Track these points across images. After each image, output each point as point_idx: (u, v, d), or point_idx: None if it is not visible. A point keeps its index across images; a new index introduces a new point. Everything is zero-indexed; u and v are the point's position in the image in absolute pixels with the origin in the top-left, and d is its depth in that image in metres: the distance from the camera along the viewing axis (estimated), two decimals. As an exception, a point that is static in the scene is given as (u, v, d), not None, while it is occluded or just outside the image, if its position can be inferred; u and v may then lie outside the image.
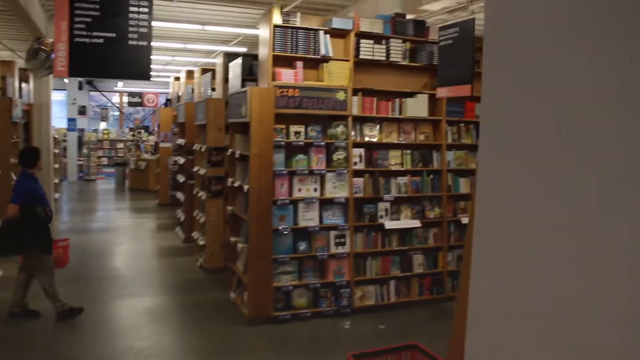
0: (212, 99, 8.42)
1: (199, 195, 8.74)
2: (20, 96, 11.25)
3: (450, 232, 7.46)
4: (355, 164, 6.90)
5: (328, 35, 6.69)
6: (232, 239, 6.96)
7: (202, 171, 8.62)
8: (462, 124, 7.64)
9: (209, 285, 7.96)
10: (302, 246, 6.59)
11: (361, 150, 6.97)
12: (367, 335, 6.15)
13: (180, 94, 13.32)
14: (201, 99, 9.00)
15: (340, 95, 6.71)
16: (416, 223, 7.19)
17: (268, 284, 6.31)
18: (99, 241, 10.53)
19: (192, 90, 11.46)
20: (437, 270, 7.38)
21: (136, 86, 22.78)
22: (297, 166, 6.54)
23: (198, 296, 7.49)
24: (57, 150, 16.10)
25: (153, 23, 6.19)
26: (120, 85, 23.84)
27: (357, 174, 6.90)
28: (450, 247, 7.44)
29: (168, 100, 15.35)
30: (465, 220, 7.48)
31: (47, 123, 11.57)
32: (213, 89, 9.25)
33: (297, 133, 6.57)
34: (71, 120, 20.97)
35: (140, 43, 6.06)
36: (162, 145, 14.69)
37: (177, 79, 14.48)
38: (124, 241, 10.70)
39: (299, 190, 6.56)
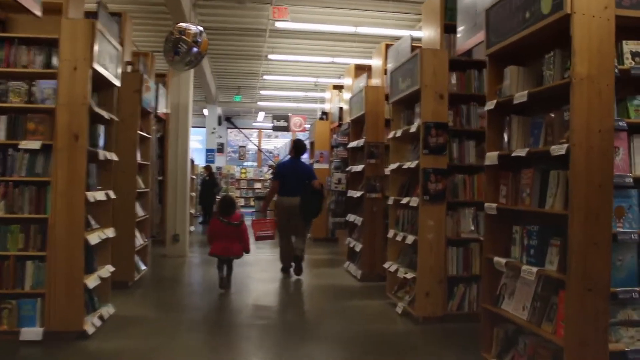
0: (429, 49, 5.54)
1: (406, 202, 5.77)
2: (156, 102, 9.12)
3: None
4: None
5: None
6: (497, 258, 3.89)
7: (410, 164, 5.68)
8: None
9: (431, 343, 4.89)
10: (654, 270, 3.38)
11: None
12: None
13: (342, 104, 10.70)
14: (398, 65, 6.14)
15: None
16: None
17: (600, 347, 3.13)
18: (242, 275, 7.82)
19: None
20: None
21: (281, 110, 20.75)
22: (638, 116, 3.41)
23: (421, 361, 4.47)
24: (194, 177, 14.09)
25: None
26: (260, 118, 21.99)
27: None
28: None
29: (324, 114, 12.80)
30: None
31: (185, 130, 9.32)
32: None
33: (637, 55, 3.46)
34: (209, 151, 19.25)
35: None
36: (316, 167, 12.07)
37: (337, 87, 11.95)
38: (273, 277, 7.92)
39: (644, 162, 3.40)
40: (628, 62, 3.40)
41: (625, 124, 3.27)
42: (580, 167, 3.06)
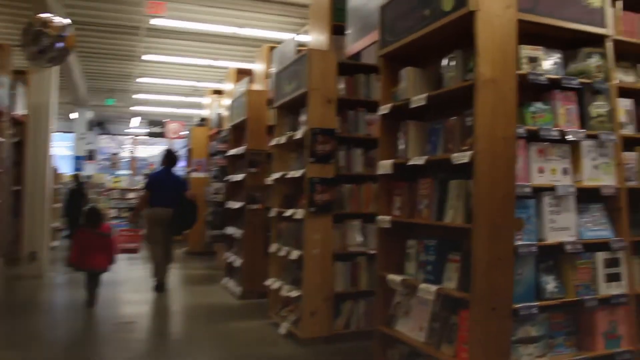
0: (317, 50, 5.22)
1: (289, 214, 5.38)
2: (13, 101, 8.08)
3: None
4: (623, 125, 3.67)
5: None
6: (391, 276, 3.61)
7: (294, 174, 5.31)
8: None
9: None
10: (550, 283, 3.24)
11: (627, 103, 3.76)
12: None
13: (222, 110, 10.19)
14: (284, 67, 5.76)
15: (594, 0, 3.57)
16: None
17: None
18: (110, 298, 7.04)
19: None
20: None
21: (157, 116, 19.74)
22: (534, 123, 3.26)
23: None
24: (60, 186, 12.90)
25: None
26: (135, 123, 20.78)
27: (625, 144, 3.67)
28: None
29: (203, 119, 12.19)
30: None
31: (46, 134, 8.38)
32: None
33: (533, 60, 3.33)
34: (78, 159, 17.84)
35: None
36: (194, 175, 11.45)
37: (217, 91, 11.41)
38: (144, 298, 7.22)
39: (540, 171, 3.26)
40: (525, 67, 3.25)
41: (524, 131, 3.10)
42: (484, 176, 2.83)
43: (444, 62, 3.28)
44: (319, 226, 5.00)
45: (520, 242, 3.04)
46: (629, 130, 3.71)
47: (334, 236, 5.10)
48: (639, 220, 3.63)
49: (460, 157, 2.92)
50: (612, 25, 3.63)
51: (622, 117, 3.68)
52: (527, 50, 3.30)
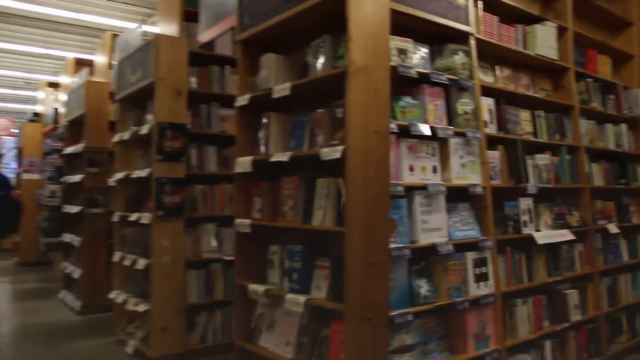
0: (165, 36, 4.68)
1: (135, 218, 4.81)
2: None
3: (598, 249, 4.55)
4: (486, 124, 3.64)
5: None
6: (253, 286, 3.24)
7: (140, 173, 4.75)
8: (589, 79, 4.77)
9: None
10: (423, 286, 3.07)
11: (490, 102, 3.74)
12: None
13: (58, 105, 9.22)
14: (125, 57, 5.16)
15: (459, -3, 3.51)
16: (567, 235, 4.09)
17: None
18: None
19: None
20: (589, 315, 4.27)
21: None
22: (404, 118, 3.07)
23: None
24: None
25: None
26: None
27: (489, 143, 3.65)
28: (602, 274, 4.49)
29: (36, 115, 10.99)
30: (614, 229, 4.57)
31: None
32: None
33: (403, 53, 3.14)
34: None
35: None
36: (25, 177, 10.28)
37: (53, 84, 10.35)
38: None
39: (411, 169, 3.08)
40: (395, 60, 3.04)
41: (395, 126, 2.88)
42: (357, 174, 2.56)
43: (311, 48, 2.97)
44: (168, 231, 4.52)
45: (393, 245, 2.82)
46: (491, 129, 3.69)
47: (185, 242, 4.67)
48: (504, 218, 3.61)
49: (331, 153, 2.62)
50: (475, 24, 3.58)
51: (485, 115, 3.63)
52: (396, 42, 3.10)
